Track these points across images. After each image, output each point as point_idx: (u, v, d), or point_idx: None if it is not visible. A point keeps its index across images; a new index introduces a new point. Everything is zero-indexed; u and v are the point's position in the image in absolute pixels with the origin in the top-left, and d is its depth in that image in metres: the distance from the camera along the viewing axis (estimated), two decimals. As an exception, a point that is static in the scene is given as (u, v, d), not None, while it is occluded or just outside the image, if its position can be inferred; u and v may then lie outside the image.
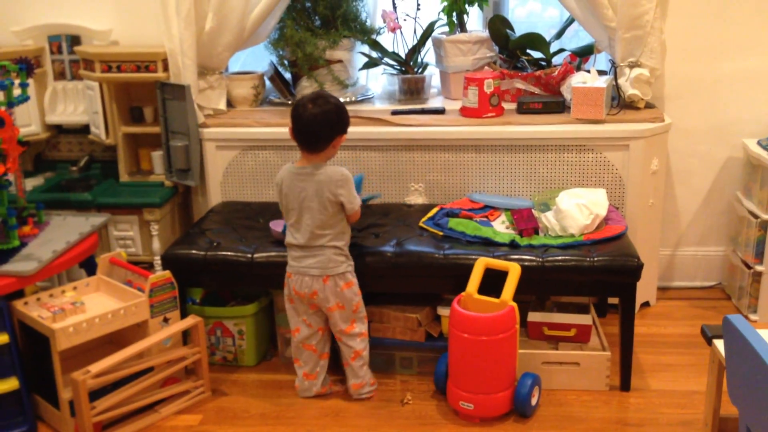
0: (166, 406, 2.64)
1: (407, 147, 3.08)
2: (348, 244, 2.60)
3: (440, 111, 3.19)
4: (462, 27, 3.35)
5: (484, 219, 2.91)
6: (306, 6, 3.31)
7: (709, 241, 3.48)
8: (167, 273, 2.65)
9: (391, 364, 2.84)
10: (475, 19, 3.55)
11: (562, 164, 3.03)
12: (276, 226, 2.79)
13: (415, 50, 3.36)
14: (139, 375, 2.56)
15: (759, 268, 3.10)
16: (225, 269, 2.75)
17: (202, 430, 2.56)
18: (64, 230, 2.80)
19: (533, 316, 2.80)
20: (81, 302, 2.57)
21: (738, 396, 1.65)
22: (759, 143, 3.18)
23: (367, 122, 3.09)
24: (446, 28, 3.38)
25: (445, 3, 3.30)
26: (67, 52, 3.35)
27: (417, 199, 3.14)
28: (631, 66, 3.06)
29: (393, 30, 3.31)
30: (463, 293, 2.54)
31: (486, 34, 3.34)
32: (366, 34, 3.33)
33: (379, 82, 3.64)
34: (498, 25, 3.32)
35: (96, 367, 2.40)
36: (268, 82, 3.45)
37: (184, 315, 2.73)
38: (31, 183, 3.30)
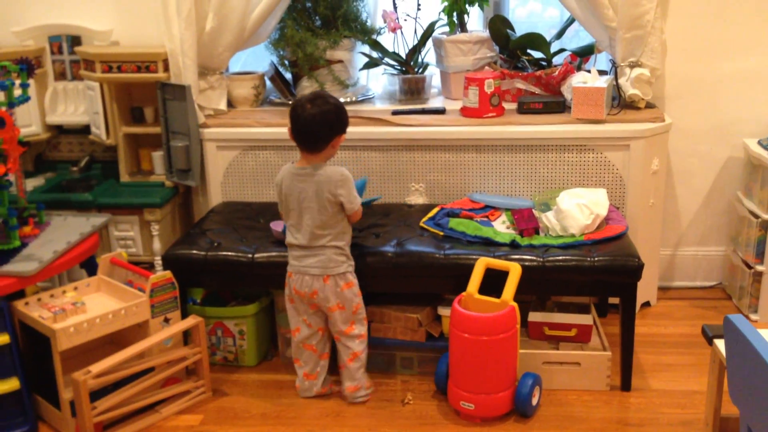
0: (166, 406, 2.64)
1: (408, 147, 3.08)
2: (349, 243, 2.60)
3: (441, 111, 3.19)
4: (462, 27, 3.35)
5: (485, 219, 2.91)
6: (306, 6, 3.31)
7: (710, 241, 3.48)
8: (168, 273, 2.65)
9: (391, 364, 2.85)
10: (475, 19, 3.56)
11: (562, 164, 3.03)
12: (276, 226, 2.79)
13: (416, 50, 3.36)
14: (140, 375, 2.56)
15: (759, 267, 3.10)
16: (226, 269, 2.75)
17: (202, 430, 2.56)
18: (65, 230, 2.80)
19: (534, 316, 2.80)
20: (82, 302, 2.57)
21: (739, 396, 1.65)
22: (759, 143, 3.18)
23: (368, 122, 3.09)
24: (447, 28, 3.38)
25: (446, 3, 3.30)
26: (68, 52, 3.36)
27: (417, 199, 3.14)
28: (632, 66, 3.06)
29: (393, 30, 3.31)
30: (463, 293, 2.54)
31: (486, 34, 3.34)
32: (366, 34, 3.33)
33: (379, 82, 3.64)
34: (498, 25, 3.32)
35: (97, 368, 2.40)
36: (268, 83, 3.45)
37: (184, 315, 2.73)
38: (31, 183, 3.31)
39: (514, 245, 2.68)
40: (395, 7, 3.35)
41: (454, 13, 3.32)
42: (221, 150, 3.17)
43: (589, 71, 3.10)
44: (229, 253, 2.74)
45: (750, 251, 3.14)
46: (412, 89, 3.32)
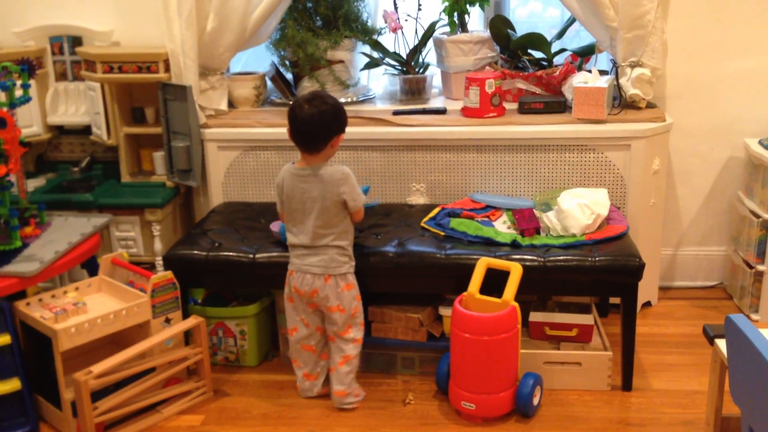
0: (168, 406, 2.64)
1: (409, 147, 3.08)
2: (351, 243, 2.60)
3: (441, 111, 3.19)
4: (463, 27, 3.35)
5: (486, 219, 2.91)
6: (307, 6, 3.32)
7: (711, 241, 3.48)
8: (169, 273, 2.65)
9: (392, 364, 2.85)
10: (476, 19, 3.56)
11: (563, 164, 3.03)
12: (276, 227, 2.79)
13: (417, 50, 3.36)
14: (141, 375, 2.56)
15: (761, 267, 3.10)
16: (227, 270, 2.75)
17: (204, 430, 2.56)
18: (66, 231, 2.80)
19: (535, 316, 2.80)
20: (83, 303, 2.57)
21: (740, 395, 1.65)
22: (760, 143, 3.18)
23: (369, 122, 3.09)
24: (447, 29, 3.38)
25: (446, 3, 3.30)
26: (69, 52, 3.36)
27: (418, 199, 3.14)
28: (633, 66, 3.06)
29: (394, 30, 3.31)
30: (464, 293, 2.54)
31: (487, 34, 3.34)
32: (367, 34, 3.33)
33: (380, 82, 3.64)
34: (499, 25, 3.32)
35: (98, 368, 2.40)
36: (269, 83, 3.45)
37: (185, 315, 2.73)
38: (32, 184, 3.31)
39: (515, 245, 2.68)
40: (396, 8, 3.35)
41: (455, 13, 3.32)
42: (222, 150, 3.17)
43: (589, 71, 3.10)
44: (230, 254, 2.74)
45: (751, 251, 3.14)
46: (413, 89, 3.32)
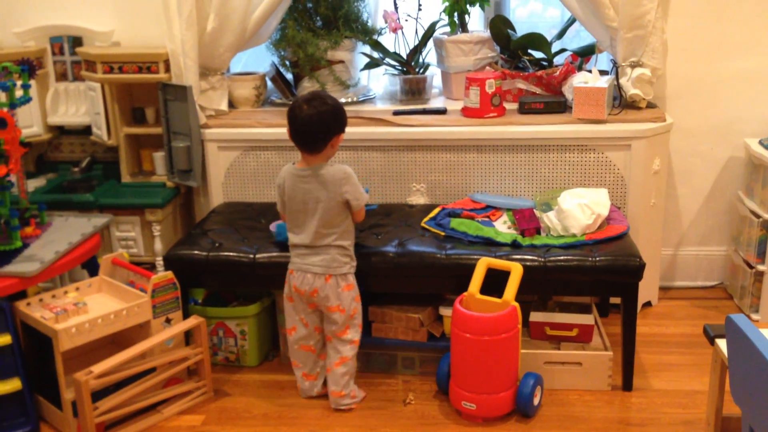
0: (168, 406, 2.64)
1: (409, 147, 3.08)
2: (353, 244, 2.59)
3: (442, 111, 3.19)
4: (463, 27, 3.35)
5: (486, 219, 2.91)
6: (307, 7, 3.32)
7: (711, 241, 3.48)
8: (169, 273, 2.65)
9: (393, 364, 2.85)
10: (476, 19, 3.56)
11: (563, 164, 3.03)
12: (274, 227, 2.79)
13: (417, 50, 3.37)
14: (142, 375, 2.57)
15: (761, 267, 3.10)
16: (227, 270, 2.75)
17: (204, 430, 2.56)
18: (67, 231, 2.80)
19: (535, 316, 2.80)
20: (83, 303, 2.57)
21: (741, 395, 1.65)
22: (761, 143, 3.18)
23: (369, 123, 3.09)
24: (447, 29, 3.38)
25: (447, 3, 3.30)
26: (69, 53, 3.36)
27: (419, 199, 3.14)
28: (633, 66, 3.06)
29: (394, 30, 3.31)
30: (465, 293, 2.54)
31: (487, 34, 3.34)
32: (367, 34, 3.33)
33: (380, 82, 3.64)
34: (499, 25, 3.32)
35: (99, 368, 2.40)
36: (269, 83, 3.45)
37: (186, 315, 2.73)
38: (33, 184, 3.31)
39: (515, 245, 2.68)
40: (396, 8, 3.35)
41: (455, 14, 3.32)
42: (222, 150, 3.17)
43: (590, 71, 3.10)
44: (231, 254, 2.74)
45: (751, 251, 3.14)
46: (413, 89, 3.32)
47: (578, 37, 3.46)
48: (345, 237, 2.55)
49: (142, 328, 2.61)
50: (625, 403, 2.64)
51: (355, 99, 3.35)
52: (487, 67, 3.33)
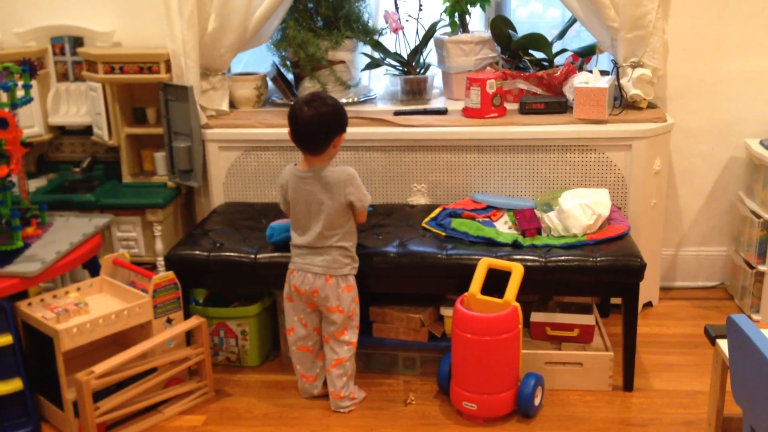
0: (169, 406, 2.64)
1: (410, 147, 3.08)
2: (355, 245, 2.59)
3: (443, 111, 3.19)
4: (464, 27, 3.35)
5: (487, 219, 2.91)
6: (308, 7, 3.32)
7: (712, 241, 3.48)
8: (170, 274, 2.65)
9: (394, 364, 2.85)
10: (477, 19, 3.56)
11: (564, 164, 3.03)
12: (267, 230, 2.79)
13: (418, 51, 3.37)
14: (143, 375, 2.57)
15: (761, 268, 3.10)
16: (228, 270, 2.75)
17: (205, 430, 2.56)
18: (68, 231, 2.80)
19: (536, 317, 2.80)
20: (84, 303, 2.57)
21: (742, 395, 1.65)
22: (761, 143, 3.18)
23: (370, 123, 3.09)
24: (448, 29, 3.38)
25: (447, 3, 3.30)
26: (70, 53, 3.36)
27: (420, 199, 3.14)
28: (634, 66, 3.06)
29: (395, 31, 3.31)
30: (466, 293, 2.54)
31: (488, 34, 3.34)
32: (368, 34, 3.33)
33: (381, 82, 3.64)
34: (500, 26, 3.32)
35: (100, 368, 2.40)
36: (270, 83, 3.45)
37: (187, 316, 2.73)
38: (34, 184, 3.31)
39: (516, 245, 2.68)
40: (397, 8, 3.35)
41: (456, 14, 3.32)
42: (223, 151, 3.17)
43: (590, 71, 3.10)
44: (232, 254, 2.74)
45: (752, 251, 3.14)
46: (414, 90, 3.33)
47: (579, 38, 3.46)
48: (347, 238, 2.55)
49: (143, 328, 2.61)
50: (625, 403, 2.64)
51: (355, 99, 3.35)
52: (488, 68, 3.33)
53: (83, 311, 2.55)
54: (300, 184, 2.52)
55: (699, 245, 3.49)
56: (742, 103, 3.28)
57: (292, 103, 3.20)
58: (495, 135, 3.02)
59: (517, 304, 2.48)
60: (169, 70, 3.15)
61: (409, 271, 2.67)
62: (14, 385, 2.46)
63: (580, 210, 2.72)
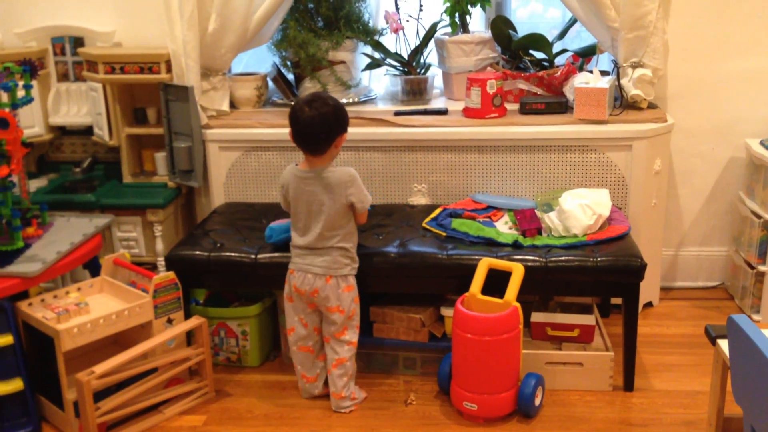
0: (170, 406, 2.65)
1: (410, 148, 3.08)
2: (356, 245, 2.59)
3: (443, 112, 3.19)
4: (464, 28, 3.35)
5: (488, 219, 2.91)
6: (309, 7, 3.32)
7: (712, 242, 3.48)
8: (171, 274, 2.65)
9: (394, 364, 2.85)
10: (477, 19, 3.56)
11: (565, 165, 3.03)
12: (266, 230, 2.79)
13: (418, 51, 3.37)
14: (144, 376, 2.57)
15: (762, 268, 3.10)
16: (228, 270, 2.75)
17: (206, 430, 2.56)
18: (68, 231, 2.80)
19: (536, 317, 2.80)
20: (85, 303, 2.57)
21: (742, 395, 1.65)
22: (762, 143, 3.18)
23: (370, 123, 3.09)
24: (449, 29, 3.38)
25: (448, 4, 3.30)
26: (71, 53, 3.36)
27: (420, 199, 3.15)
28: (634, 66, 3.06)
29: (396, 31, 3.31)
30: (466, 293, 2.54)
31: (488, 34, 3.34)
32: (369, 35, 3.33)
33: (381, 83, 3.64)
34: (500, 26, 3.33)
35: (100, 368, 2.41)
36: (271, 84, 3.45)
37: (187, 316, 2.73)
38: (34, 184, 3.31)
39: (516, 246, 2.68)
40: (397, 8, 3.35)
41: (456, 14, 3.32)
42: (224, 151, 3.17)
43: (591, 72, 3.10)
44: (232, 254, 2.74)
45: (752, 251, 3.14)
46: (415, 90, 3.33)
47: (579, 38, 3.46)
48: (348, 239, 2.55)
49: (144, 328, 2.61)
50: (626, 403, 2.64)
51: (356, 99, 3.35)
52: (489, 68, 3.33)
53: (84, 311, 2.55)
54: (301, 184, 2.52)
55: (699, 245, 3.49)
56: (743, 103, 3.29)
57: (292, 103, 3.21)
58: (495, 135, 3.02)
59: (518, 305, 2.48)
60: (169, 70, 3.15)
61: (409, 272, 2.67)
62: (15, 385, 2.46)
63: (580, 210, 2.72)
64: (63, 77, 3.40)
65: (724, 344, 1.94)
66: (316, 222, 2.51)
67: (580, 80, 3.05)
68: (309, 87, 3.30)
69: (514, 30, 3.35)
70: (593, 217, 2.72)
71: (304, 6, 3.31)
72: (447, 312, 2.77)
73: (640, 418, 2.55)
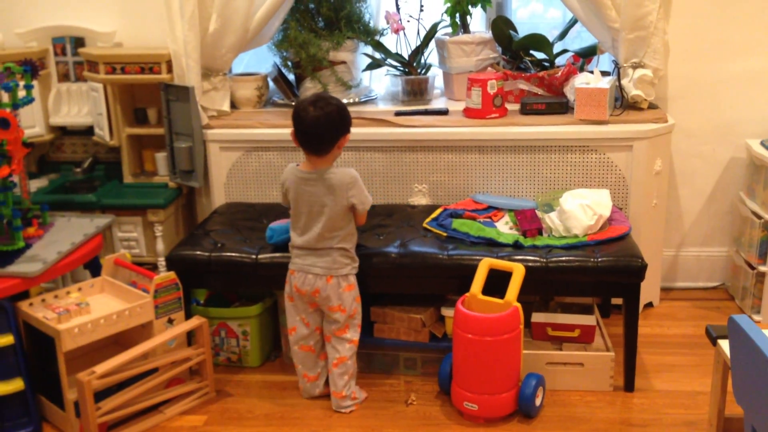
0: (170, 406, 2.65)
1: (411, 148, 3.09)
2: (355, 245, 2.60)
3: (444, 112, 3.19)
4: (465, 28, 3.35)
5: (488, 220, 2.91)
6: (309, 7, 3.32)
7: (713, 242, 3.48)
8: (172, 274, 2.65)
9: (395, 364, 2.85)
10: (478, 20, 3.56)
11: (565, 165, 3.03)
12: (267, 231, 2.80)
13: (419, 51, 3.37)
14: (144, 376, 2.57)
15: (762, 268, 3.10)
16: (229, 270, 2.75)
17: (206, 430, 2.56)
18: (69, 231, 2.80)
19: (537, 317, 2.80)
20: (86, 303, 2.57)
21: (743, 396, 1.65)
22: (762, 144, 3.18)
23: (371, 123, 3.10)
24: (449, 29, 3.38)
25: (448, 4, 3.30)
26: (71, 53, 3.36)
27: (421, 200, 3.15)
28: (635, 67, 3.06)
29: (396, 31, 3.31)
30: (467, 294, 2.54)
31: (489, 35, 3.35)
32: (369, 35, 3.33)
33: (382, 83, 3.64)
34: (501, 26, 3.33)
35: (101, 368, 2.41)
36: (271, 84, 3.45)
37: (188, 316, 2.73)
38: (35, 184, 3.31)
39: (517, 246, 2.68)
40: (398, 9, 3.35)
41: (457, 14, 3.32)
42: (224, 151, 3.17)
43: (591, 72, 3.10)
44: (233, 254, 2.74)
45: (753, 252, 3.14)
46: (415, 90, 3.33)
47: (580, 38, 3.46)
48: (348, 239, 2.55)
49: (145, 328, 2.61)
50: (626, 403, 2.64)
51: (357, 100, 3.35)
52: (489, 68, 3.33)
53: (84, 311, 2.55)
54: (302, 185, 2.52)
55: (700, 246, 3.49)
56: (743, 103, 3.29)
57: (293, 103, 3.21)
58: (496, 135, 3.02)
59: (518, 305, 2.48)
60: (170, 70, 3.15)
61: (410, 272, 2.67)
62: (15, 385, 2.46)
63: (581, 210, 2.72)
64: (64, 77, 3.40)
65: (724, 344, 1.94)
66: (316, 222, 2.51)
67: (581, 81, 3.05)
68: (310, 87, 3.31)
69: (515, 30, 3.35)
70: (594, 217, 2.72)
71: (305, 6, 3.31)
72: (448, 312, 2.77)
73: (641, 419, 2.56)
